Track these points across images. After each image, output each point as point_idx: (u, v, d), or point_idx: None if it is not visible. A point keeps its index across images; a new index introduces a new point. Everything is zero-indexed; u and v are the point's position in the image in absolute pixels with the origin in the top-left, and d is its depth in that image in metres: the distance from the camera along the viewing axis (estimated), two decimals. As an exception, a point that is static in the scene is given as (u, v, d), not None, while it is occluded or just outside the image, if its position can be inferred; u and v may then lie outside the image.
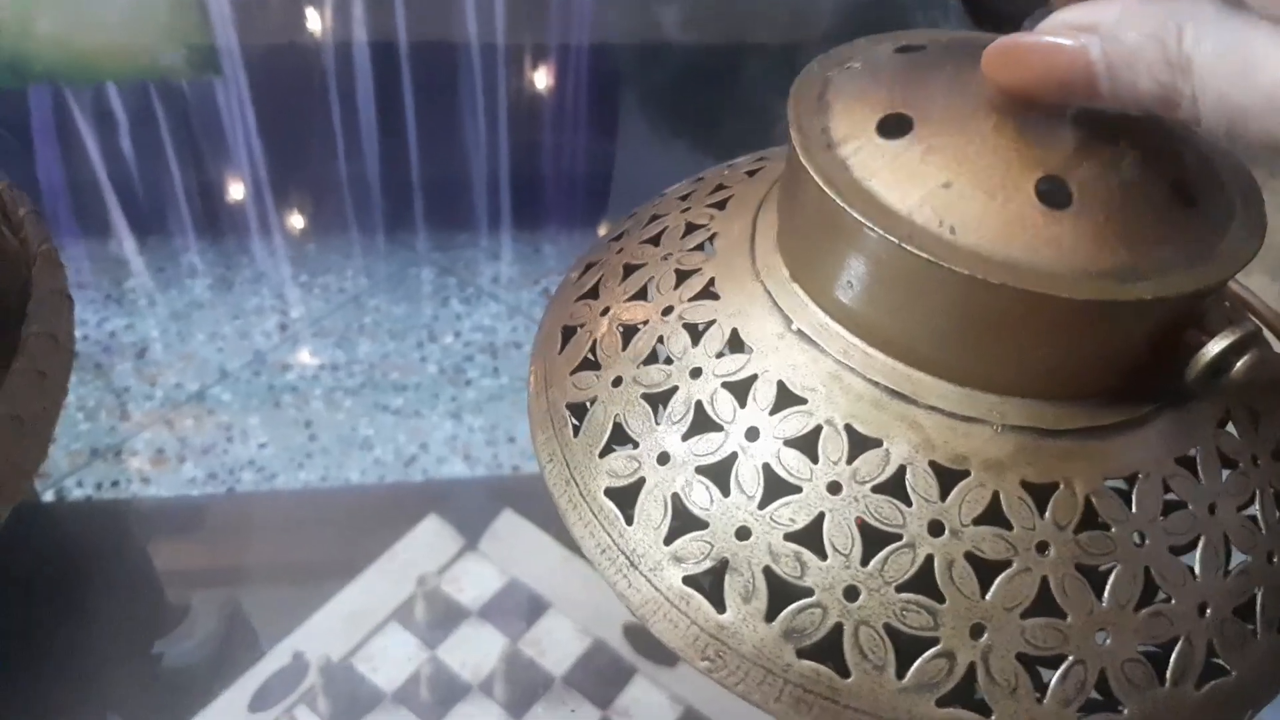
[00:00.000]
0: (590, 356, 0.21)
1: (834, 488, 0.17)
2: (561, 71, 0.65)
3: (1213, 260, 0.16)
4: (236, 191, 0.59)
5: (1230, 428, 0.18)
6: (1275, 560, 0.18)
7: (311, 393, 0.50)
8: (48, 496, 0.44)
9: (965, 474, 0.17)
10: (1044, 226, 0.16)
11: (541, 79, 0.65)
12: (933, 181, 0.17)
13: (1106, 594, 0.16)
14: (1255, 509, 0.18)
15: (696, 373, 0.19)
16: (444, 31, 0.64)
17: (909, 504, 0.17)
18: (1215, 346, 0.16)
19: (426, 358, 0.52)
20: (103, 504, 0.44)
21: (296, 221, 0.58)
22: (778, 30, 0.67)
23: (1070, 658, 0.16)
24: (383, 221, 0.59)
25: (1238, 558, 0.18)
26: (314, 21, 0.63)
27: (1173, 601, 0.17)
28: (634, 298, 0.21)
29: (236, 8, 0.60)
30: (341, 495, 0.46)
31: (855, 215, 0.16)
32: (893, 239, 0.16)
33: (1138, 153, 0.17)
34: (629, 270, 0.21)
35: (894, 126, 0.17)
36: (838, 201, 0.17)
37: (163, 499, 0.45)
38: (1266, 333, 0.21)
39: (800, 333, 0.18)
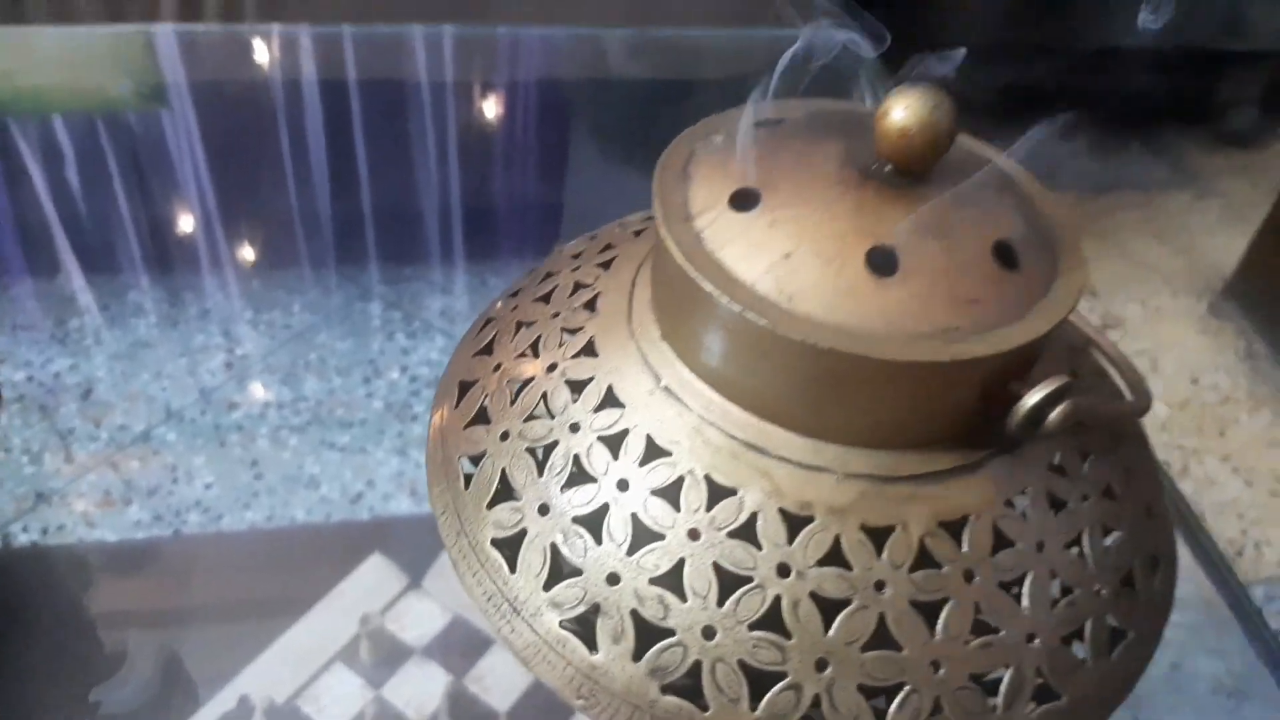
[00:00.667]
0: (483, 410, 0.22)
1: (694, 534, 0.18)
2: (510, 106, 0.67)
3: (1029, 320, 0.18)
4: (183, 227, 0.59)
5: (1064, 469, 0.20)
6: (1103, 592, 0.19)
7: (257, 431, 0.50)
8: (-8, 543, 0.44)
9: (810, 519, 0.18)
10: (873, 293, 0.18)
11: (490, 112, 0.67)
12: (776, 252, 0.18)
13: (939, 627, 0.18)
14: (1085, 544, 0.19)
15: (575, 427, 0.20)
16: (393, 68, 0.65)
17: (760, 548, 0.18)
18: (1032, 398, 0.18)
19: (373, 393, 0.53)
20: (48, 549, 0.45)
21: (242, 257, 0.59)
22: (724, 65, 0.69)
23: (907, 687, 0.18)
24: (329, 256, 0.60)
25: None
26: (262, 55, 0.64)
27: (1002, 633, 0.18)
28: (524, 354, 0.22)
29: (183, 43, 0.61)
30: (287, 535, 0.47)
31: (704, 285, 0.18)
32: (735, 307, 0.18)
33: (965, 220, 0.19)
34: (520, 327, 0.23)
35: (745, 199, 0.19)
36: (689, 271, 0.18)
37: (108, 543, 0.45)
38: (1115, 375, 0.23)
39: (668, 389, 0.20)
